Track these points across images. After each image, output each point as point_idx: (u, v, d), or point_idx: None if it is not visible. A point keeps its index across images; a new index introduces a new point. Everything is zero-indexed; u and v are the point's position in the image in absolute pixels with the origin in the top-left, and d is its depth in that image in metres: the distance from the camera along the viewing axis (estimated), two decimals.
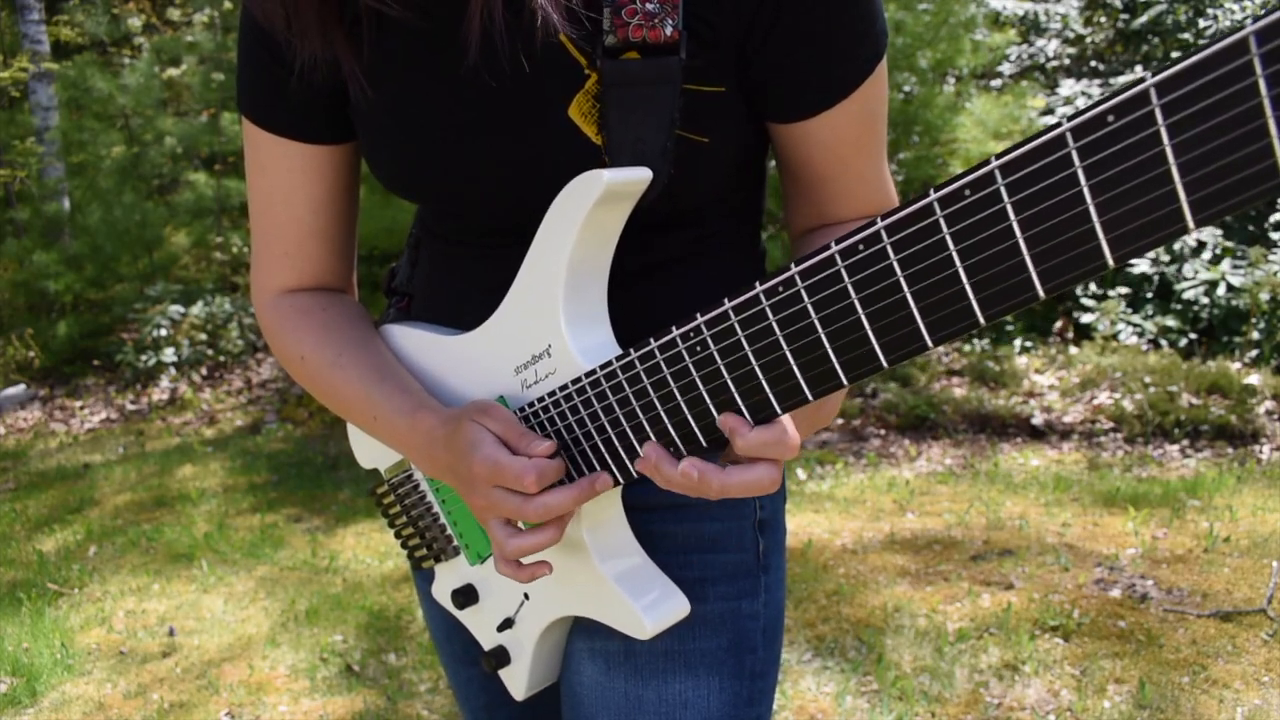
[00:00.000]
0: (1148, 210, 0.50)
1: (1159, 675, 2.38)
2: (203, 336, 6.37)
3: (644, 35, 0.74)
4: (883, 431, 4.70)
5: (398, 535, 1.03)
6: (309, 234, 0.93)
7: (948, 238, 0.57)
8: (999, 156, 0.54)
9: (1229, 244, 5.37)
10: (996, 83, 6.82)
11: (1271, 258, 5.11)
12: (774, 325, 0.66)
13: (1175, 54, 6.44)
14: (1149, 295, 5.38)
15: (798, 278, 0.64)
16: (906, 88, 5.38)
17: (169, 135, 7.11)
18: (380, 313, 1.04)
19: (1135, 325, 5.17)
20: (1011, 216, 0.54)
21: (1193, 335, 5.10)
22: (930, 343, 0.60)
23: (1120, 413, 4.42)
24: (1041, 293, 0.54)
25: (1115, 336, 5.12)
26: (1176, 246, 5.42)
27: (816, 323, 0.64)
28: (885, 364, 0.62)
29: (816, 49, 0.77)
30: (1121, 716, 2.25)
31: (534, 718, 1.07)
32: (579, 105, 0.77)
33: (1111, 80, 6.34)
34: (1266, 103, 0.45)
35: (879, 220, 0.59)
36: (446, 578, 1.00)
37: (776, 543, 0.95)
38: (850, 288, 0.61)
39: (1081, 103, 6.10)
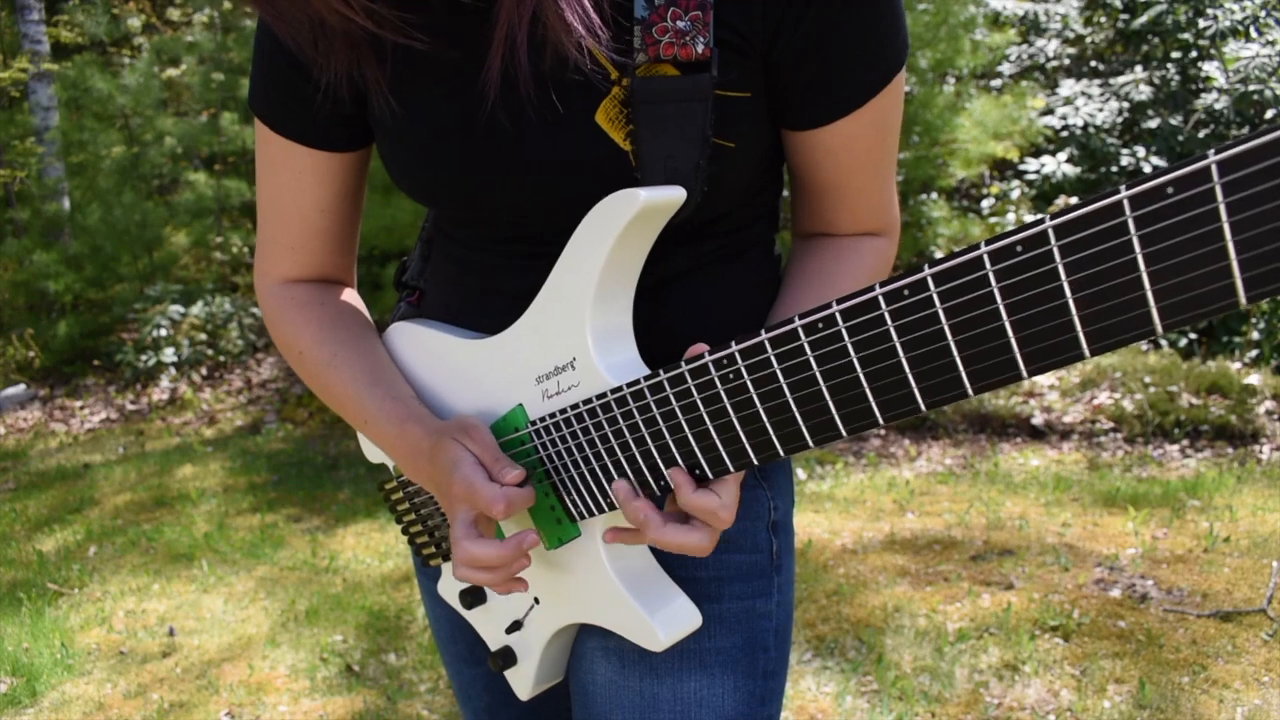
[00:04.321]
0: (1201, 283, 0.50)
1: (1159, 675, 2.38)
2: (203, 336, 6.37)
3: (675, 53, 0.74)
4: (883, 431, 4.70)
5: (405, 532, 1.03)
6: (314, 231, 0.95)
7: (996, 291, 0.57)
8: (1054, 217, 0.54)
9: None
10: (996, 83, 6.82)
11: None
12: (811, 361, 0.65)
13: (1175, 54, 6.44)
14: None
15: (839, 316, 0.63)
16: (907, 88, 5.37)
17: (169, 135, 7.11)
18: (384, 309, 1.05)
19: None
20: (1063, 277, 0.54)
21: (1192, 335, 5.10)
22: (971, 391, 0.60)
23: (1120, 413, 4.42)
24: (1088, 353, 0.54)
25: None
26: None
27: (856, 362, 0.63)
28: (924, 408, 0.62)
29: (837, 57, 0.77)
30: (1121, 716, 2.25)
31: (537, 719, 1.07)
32: (605, 111, 0.77)
33: (1111, 80, 6.34)
34: None
35: (926, 268, 0.59)
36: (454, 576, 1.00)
37: (787, 544, 0.96)
38: (893, 331, 0.61)
39: (1081, 103, 6.10)
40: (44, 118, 7.71)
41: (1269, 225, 0.47)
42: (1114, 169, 5.90)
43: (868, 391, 0.64)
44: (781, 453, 0.70)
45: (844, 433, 0.66)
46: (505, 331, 0.85)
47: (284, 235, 0.96)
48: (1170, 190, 0.49)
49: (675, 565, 0.88)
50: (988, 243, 0.56)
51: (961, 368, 0.60)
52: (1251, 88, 5.68)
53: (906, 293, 0.60)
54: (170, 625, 3.13)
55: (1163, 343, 5.05)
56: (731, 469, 0.73)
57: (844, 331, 0.63)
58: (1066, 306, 0.54)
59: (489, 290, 0.90)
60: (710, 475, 0.74)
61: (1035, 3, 6.81)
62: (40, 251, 6.84)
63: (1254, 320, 4.87)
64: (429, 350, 0.94)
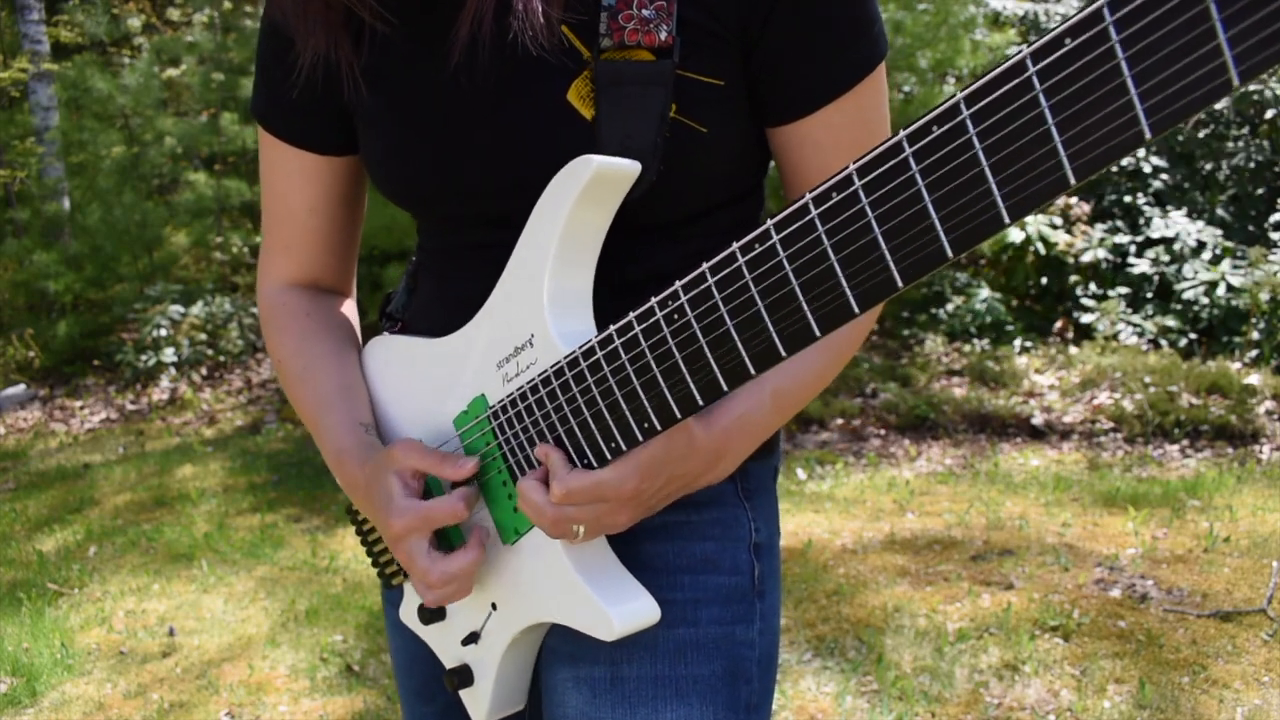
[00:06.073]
0: (1106, 123, 0.51)
1: (1159, 675, 2.38)
2: (203, 336, 6.37)
3: (639, 39, 0.76)
4: (883, 431, 4.70)
5: (370, 552, 1.02)
6: (306, 232, 0.97)
7: (917, 174, 0.57)
8: (965, 89, 0.55)
9: (1229, 244, 5.37)
10: None
11: (1271, 258, 5.11)
12: (749, 283, 0.66)
13: None
14: (1149, 295, 5.38)
15: (773, 230, 0.64)
16: (906, 88, 5.38)
17: (169, 135, 7.11)
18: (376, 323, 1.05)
19: (1135, 325, 5.17)
20: (977, 145, 0.55)
21: (1193, 335, 5.10)
22: (900, 282, 0.60)
23: (1120, 413, 4.42)
24: (1007, 218, 0.55)
25: (1115, 336, 5.12)
26: (1176, 247, 5.42)
27: (790, 274, 0.64)
28: (857, 310, 0.62)
29: (811, 43, 0.78)
30: (1121, 716, 2.25)
31: None
32: (578, 90, 0.79)
33: None
34: (1213, 6, 0.46)
35: (851, 165, 0.60)
36: (414, 597, 0.97)
37: (772, 570, 0.92)
38: (823, 235, 0.62)
39: None
40: (44, 118, 7.71)
41: (1162, 52, 0.48)
42: (1113, 169, 5.90)
43: (803, 303, 0.64)
44: (726, 387, 0.69)
45: (784, 353, 0.66)
46: (468, 324, 0.86)
47: (279, 235, 0.98)
48: (1068, 40, 0.50)
49: (648, 586, 0.84)
50: (905, 127, 0.57)
51: (889, 258, 0.60)
52: (1251, 87, 5.67)
53: (834, 194, 0.61)
54: (170, 625, 3.13)
55: (1162, 342, 5.05)
56: (680, 416, 0.72)
57: (778, 245, 0.64)
58: (984, 175, 0.55)
59: (466, 300, 0.90)
60: (659, 429, 0.73)
61: (1035, 3, 6.81)
62: (40, 251, 6.84)
63: (1254, 320, 4.87)
64: (400, 358, 0.94)
